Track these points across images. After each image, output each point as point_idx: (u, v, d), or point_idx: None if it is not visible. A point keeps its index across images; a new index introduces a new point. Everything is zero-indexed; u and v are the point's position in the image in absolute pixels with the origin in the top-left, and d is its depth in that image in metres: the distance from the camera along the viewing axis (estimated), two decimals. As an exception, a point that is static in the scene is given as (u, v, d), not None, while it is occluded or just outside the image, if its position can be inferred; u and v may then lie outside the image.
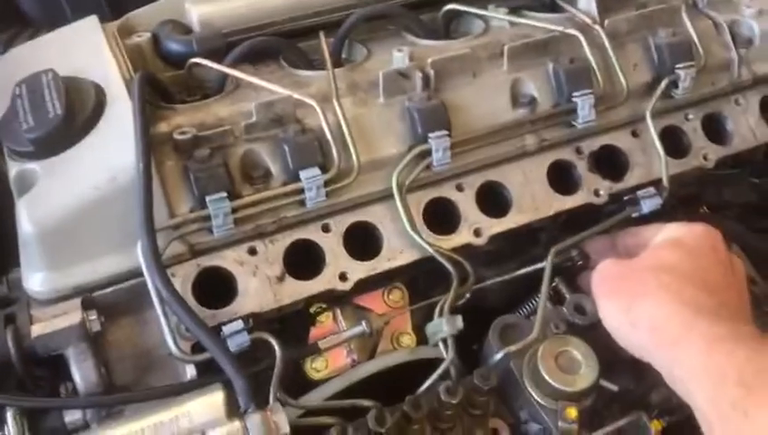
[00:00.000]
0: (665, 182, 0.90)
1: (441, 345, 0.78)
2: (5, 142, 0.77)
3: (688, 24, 0.96)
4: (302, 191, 0.80)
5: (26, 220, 0.72)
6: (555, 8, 0.99)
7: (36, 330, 0.70)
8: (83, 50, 0.86)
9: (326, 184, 0.80)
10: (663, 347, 0.70)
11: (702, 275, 0.74)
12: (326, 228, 0.82)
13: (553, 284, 0.88)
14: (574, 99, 0.89)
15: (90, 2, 1.08)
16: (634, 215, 0.90)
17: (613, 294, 0.76)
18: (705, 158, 0.96)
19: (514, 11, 0.97)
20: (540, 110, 0.90)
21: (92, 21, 0.90)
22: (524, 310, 0.92)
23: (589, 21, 0.94)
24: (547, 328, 0.83)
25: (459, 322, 0.78)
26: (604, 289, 0.78)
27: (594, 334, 0.82)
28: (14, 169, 0.76)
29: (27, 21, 1.09)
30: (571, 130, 0.91)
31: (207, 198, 0.76)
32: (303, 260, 0.82)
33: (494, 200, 0.89)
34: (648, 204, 0.89)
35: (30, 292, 0.74)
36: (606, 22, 0.94)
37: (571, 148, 0.92)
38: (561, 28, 0.92)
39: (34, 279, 0.74)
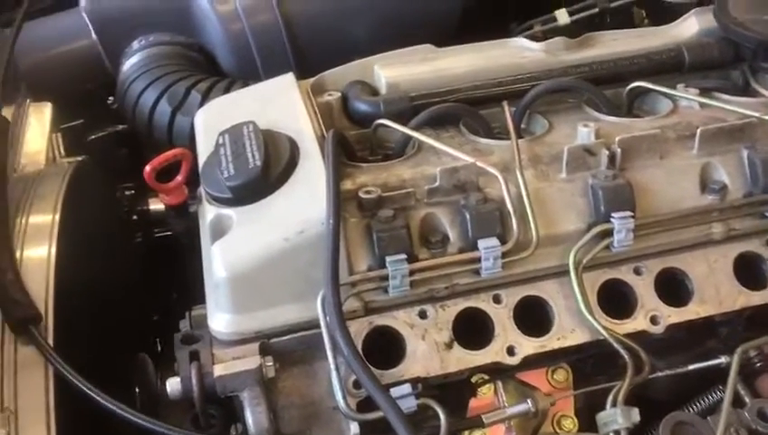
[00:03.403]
0: None
1: (612, 437, 0.74)
2: (206, 187, 0.82)
3: None
4: (478, 260, 0.79)
5: (220, 264, 0.75)
6: (749, 92, 0.95)
7: (219, 370, 0.73)
8: (280, 105, 0.91)
9: (502, 255, 0.80)
10: None
11: None
12: (497, 299, 0.81)
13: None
14: (770, 190, 0.84)
15: (280, 61, 1.14)
16: (830, 320, 0.83)
17: None
18: None
19: (705, 92, 0.94)
20: (730, 198, 0.86)
21: (289, 78, 0.95)
22: (694, 407, 0.87)
23: (788, 108, 0.89)
24: (727, 433, 0.78)
25: (636, 415, 0.74)
26: None
27: (778, 445, 0.76)
28: (211, 213, 0.81)
29: (222, 72, 1.17)
30: (763, 221, 0.86)
31: (388, 259, 0.77)
32: (472, 330, 0.81)
33: (673, 288, 0.84)
34: None
35: (214, 332, 0.77)
36: (808, 110, 0.89)
37: (762, 240, 0.86)
38: (758, 114, 0.88)
39: (220, 320, 0.77)
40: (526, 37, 1.32)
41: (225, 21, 1.15)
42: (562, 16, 1.39)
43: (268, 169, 0.80)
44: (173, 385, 0.73)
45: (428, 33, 1.20)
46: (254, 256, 0.75)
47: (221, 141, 0.84)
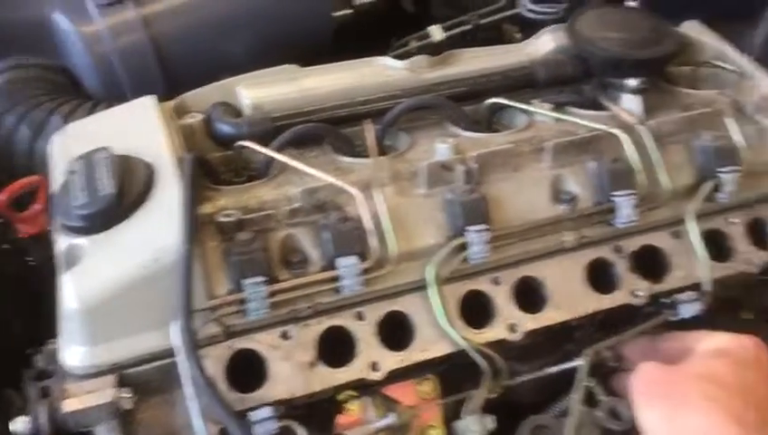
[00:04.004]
0: (707, 287, 0.88)
1: (470, 444, 0.77)
2: (57, 216, 0.80)
3: (734, 127, 0.96)
4: (338, 279, 0.80)
5: (71, 295, 0.74)
6: (600, 106, 1.00)
7: (69, 405, 0.71)
8: (139, 128, 0.89)
9: (363, 272, 0.81)
10: None
11: (749, 389, 0.72)
12: (360, 316, 0.83)
13: (587, 384, 0.87)
14: (616, 198, 0.89)
15: (149, 82, 1.12)
16: (673, 319, 0.89)
17: (654, 399, 0.75)
18: (749, 263, 0.94)
19: (559, 107, 0.98)
20: (580, 207, 0.90)
21: (150, 100, 0.93)
22: (557, 410, 0.90)
23: (632, 121, 0.94)
24: (580, 432, 0.82)
25: (490, 422, 0.76)
26: (645, 393, 0.76)
27: (629, 442, 0.80)
28: (63, 243, 0.78)
29: (87, 94, 1.14)
30: (611, 228, 0.91)
31: (245, 282, 0.77)
32: (336, 348, 0.82)
33: (530, 296, 0.88)
34: (689, 308, 0.88)
35: (66, 366, 0.75)
36: (650, 122, 0.94)
37: (611, 246, 0.91)
38: (604, 127, 0.93)
39: (73, 353, 0.75)
40: (401, 54, 1.36)
41: (90, 42, 1.12)
42: (436, 33, 1.43)
43: (121, 196, 0.79)
44: (20, 425, 0.70)
45: (302, 50, 1.21)
46: (106, 287, 0.74)
47: (73, 169, 0.82)
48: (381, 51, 1.11)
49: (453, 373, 0.89)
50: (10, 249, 1.15)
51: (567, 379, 0.88)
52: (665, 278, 0.91)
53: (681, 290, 0.90)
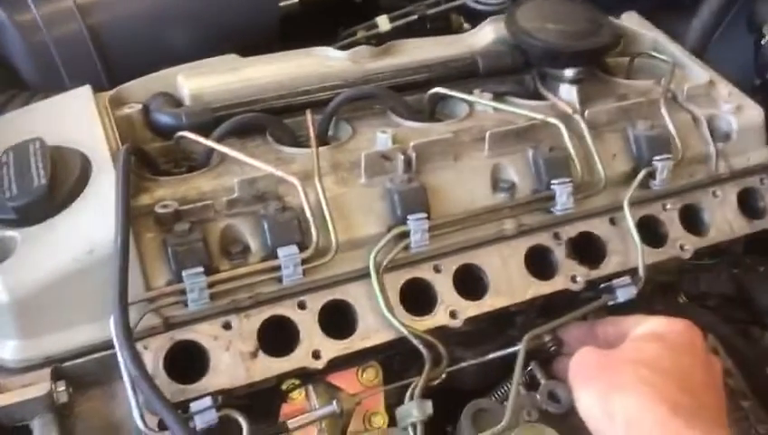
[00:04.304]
0: (640, 272, 0.91)
1: (410, 430, 0.78)
2: (-12, 208, 0.78)
3: (667, 117, 0.98)
4: (279, 268, 0.80)
5: (1, 288, 0.72)
6: (538, 96, 1.02)
7: (3, 400, 0.70)
8: (74, 119, 0.88)
9: (304, 262, 0.81)
10: None
11: (682, 373, 0.74)
12: (302, 306, 0.83)
13: (528, 369, 0.88)
14: (553, 186, 0.91)
15: (87, 70, 1.10)
16: (610, 303, 0.91)
17: (590, 382, 0.76)
18: (682, 248, 0.97)
19: (499, 97, 1.00)
20: (519, 195, 0.92)
21: (86, 90, 0.92)
22: (499, 394, 0.92)
23: (569, 110, 0.96)
24: (519, 415, 0.83)
25: (429, 407, 0.77)
26: (582, 377, 0.78)
27: (567, 423, 0.82)
28: (-6, 235, 0.77)
29: (23, 85, 1.11)
30: (549, 216, 0.92)
31: (184, 273, 0.76)
32: (278, 337, 0.82)
33: (471, 283, 0.89)
34: (624, 293, 0.90)
35: (0, 360, 0.74)
36: (586, 112, 0.96)
37: (549, 233, 0.93)
38: (542, 116, 0.94)
39: (5, 347, 0.73)
40: (349, 44, 1.36)
41: (25, 31, 1.09)
42: (384, 23, 1.43)
43: (55, 188, 0.77)
44: (-48, 420, 0.69)
45: (248, 40, 1.20)
46: (39, 279, 0.73)
47: (4, 159, 0.80)
48: (329, 41, 1.12)
49: (395, 362, 0.90)
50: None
51: (509, 364, 0.89)
52: (602, 264, 0.93)
53: (618, 275, 0.93)
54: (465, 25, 1.52)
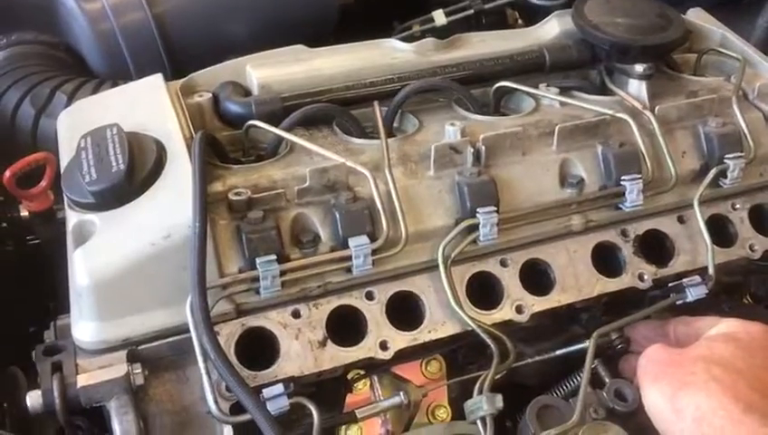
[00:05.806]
0: (711, 271, 0.89)
1: (479, 423, 0.77)
2: (67, 193, 0.80)
3: (739, 114, 0.96)
4: (349, 258, 0.81)
5: (82, 271, 0.73)
6: (606, 91, 1.00)
7: (82, 380, 0.71)
8: (147, 106, 0.89)
9: (373, 253, 0.81)
10: None
11: (755, 374, 0.72)
12: (370, 296, 0.83)
13: (593, 366, 0.87)
14: (622, 182, 0.90)
15: (152, 60, 1.11)
16: (678, 302, 0.90)
17: (660, 379, 0.75)
18: (751, 248, 0.95)
19: (565, 91, 0.99)
20: (587, 191, 0.91)
21: (157, 79, 0.93)
22: (560, 391, 0.91)
23: (639, 106, 0.95)
24: (586, 413, 0.82)
25: (500, 401, 0.77)
26: (651, 373, 0.77)
27: (634, 422, 0.81)
28: (73, 219, 0.78)
29: (91, 72, 1.13)
30: (617, 212, 0.91)
31: (257, 260, 0.77)
32: (346, 326, 0.82)
33: (537, 278, 0.89)
34: (694, 292, 0.89)
35: (78, 341, 0.75)
36: (656, 108, 0.95)
37: (617, 230, 0.92)
38: (611, 112, 0.93)
39: (84, 329, 0.75)
40: (405, 37, 1.36)
41: (93, 20, 1.11)
42: (439, 17, 1.43)
43: (132, 173, 0.78)
44: (34, 399, 0.70)
45: (307, 33, 1.20)
46: (118, 263, 0.74)
47: (83, 145, 0.81)
48: (384, 35, 1.11)
49: (459, 355, 0.90)
50: (8, 228, 1.15)
51: (567, 361, 0.88)
52: (669, 263, 0.92)
53: (685, 275, 0.91)
54: (520, 21, 1.52)
